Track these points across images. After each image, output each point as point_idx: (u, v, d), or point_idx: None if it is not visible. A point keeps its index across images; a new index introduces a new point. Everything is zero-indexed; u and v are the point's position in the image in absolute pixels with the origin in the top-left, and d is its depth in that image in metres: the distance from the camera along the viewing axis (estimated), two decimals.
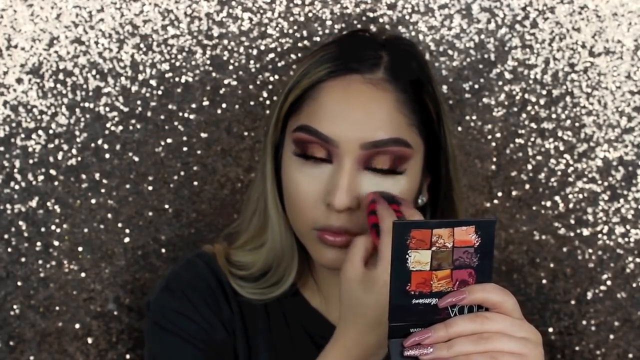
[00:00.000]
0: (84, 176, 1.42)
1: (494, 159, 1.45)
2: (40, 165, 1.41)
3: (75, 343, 1.44)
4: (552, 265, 1.47)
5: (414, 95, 1.13)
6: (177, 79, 1.42)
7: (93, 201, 1.42)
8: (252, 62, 1.42)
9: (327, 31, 1.42)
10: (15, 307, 1.42)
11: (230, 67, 1.42)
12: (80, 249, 1.43)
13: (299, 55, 1.42)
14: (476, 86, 1.44)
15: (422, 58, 1.19)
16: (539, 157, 1.45)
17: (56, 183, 1.41)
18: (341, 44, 1.19)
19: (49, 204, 1.41)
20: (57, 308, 1.43)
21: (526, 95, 1.44)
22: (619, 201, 1.46)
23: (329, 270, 1.18)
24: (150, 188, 1.43)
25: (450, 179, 1.19)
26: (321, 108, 1.11)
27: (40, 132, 1.41)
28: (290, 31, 1.42)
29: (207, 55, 1.42)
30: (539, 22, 1.43)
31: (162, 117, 1.42)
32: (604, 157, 1.45)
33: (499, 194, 1.46)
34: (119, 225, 1.43)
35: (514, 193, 1.46)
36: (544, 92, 1.44)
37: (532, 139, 1.45)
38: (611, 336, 1.47)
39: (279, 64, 1.43)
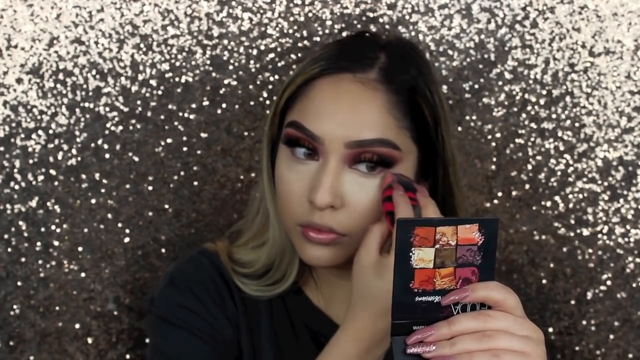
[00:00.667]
0: (84, 176, 1.42)
1: (494, 159, 1.45)
2: (40, 165, 1.41)
3: (75, 343, 1.44)
4: (552, 265, 1.47)
5: (408, 98, 1.12)
6: (177, 79, 1.42)
7: (93, 201, 1.42)
8: (252, 62, 1.42)
9: (327, 31, 1.42)
10: (15, 307, 1.42)
11: (230, 67, 1.42)
12: (80, 249, 1.43)
13: (299, 55, 1.42)
14: (476, 86, 1.44)
15: (424, 62, 1.18)
16: (539, 157, 1.45)
17: (56, 183, 1.41)
18: (341, 44, 1.19)
19: (49, 204, 1.41)
20: (57, 308, 1.43)
21: (526, 95, 1.44)
22: (619, 201, 1.46)
23: (327, 270, 1.18)
24: (150, 188, 1.43)
25: (450, 185, 1.18)
26: (310, 105, 1.11)
27: (40, 132, 1.41)
28: (290, 31, 1.42)
29: (207, 55, 1.42)
30: (539, 22, 1.43)
31: (162, 117, 1.42)
32: (604, 157, 1.45)
33: (499, 194, 1.46)
34: (119, 225, 1.43)
35: (514, 193, 1.46)
36: (544, 92, 1.44)
37: (532, 139, 1.45)
38: (611, 336, 1.47)
39: (279, 64, 1.43)
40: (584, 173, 1.46)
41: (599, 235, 1.47)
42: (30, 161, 1.41)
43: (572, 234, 1.47)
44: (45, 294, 1.43)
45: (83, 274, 1.43)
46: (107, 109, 1.41)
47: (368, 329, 1.04)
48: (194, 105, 1.42)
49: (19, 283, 1.42)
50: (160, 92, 1.42)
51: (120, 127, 1.42)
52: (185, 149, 1.43)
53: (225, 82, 1.42)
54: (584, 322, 1.48)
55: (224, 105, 1.43)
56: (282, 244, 1.19)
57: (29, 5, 1.39)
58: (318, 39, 1.42)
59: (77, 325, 1.44)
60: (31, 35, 1.39)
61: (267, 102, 1.43)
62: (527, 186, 1.46)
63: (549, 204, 1.46)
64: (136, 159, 1.42)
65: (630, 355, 1.48)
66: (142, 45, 1.41)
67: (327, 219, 1.09)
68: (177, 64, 1.42)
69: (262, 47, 1.42)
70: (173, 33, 1.41)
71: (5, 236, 1.41)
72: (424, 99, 1.13)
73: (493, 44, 1.43)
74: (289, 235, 1.15)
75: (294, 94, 1.14)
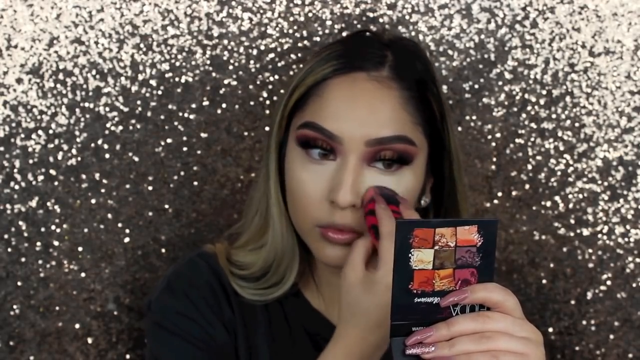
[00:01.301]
0: (84, 176, 1.42)
1: (494, 159, 1.45)
2: (40, 165, 1.41)
3: (75, 343, 1.44)
4: (552, 265, 1.47)
5: (418, 93, 1.13)
6: (177, 79, 1.42)
7: (93, 201, 1.42)
8: (252, 62, 1.42)
9: (327, 31, 1.42)
10: (15, 307, 1.42)
11: (230, 67, 1.42)
12: (80, 249, 1.43)
13: (299, 55, 1.42)
14: (476, 86, 1.44)
15: (426, 58, 1.20)
16: (539, 157, 1.45)
17: (56, 183, 1.41)
18: (346, 43, 1.19)
19: (49, 204, 1.41)
20: (57, 308, 1.43)
21: (526, 95, 1.44)
22: (619, 201, 1.46)
23: (329, 271, 1.18)
24: (150, 188, 1.43)
25: (454, 181, 1.19)
26: (326, 105, 1.11)
27: (40, 132, 1.41)
28: (290, 31, 1.42)
29: (207, 55, 1.42)
30: (539, 22, 1.43)
31: (162, 117, 1.42)
32: (604, 157, 1.45)
33: (499, 194, 1.46)
34: (119, 225, 1.43)
35: (514, 193, 1.46)
36: (544, 92, 1.44)
37: (532, 139, 1.45)
38: (611, 336, 1.47)
39: (279, 64, 1.43)
40: (584, 173, 1.46)
41: (599, 235, 1.47)
42: (30, 161, 1.41)
43: (572, 234, 1.47)
44: (45, 294, 1.43)
45: (83, 274, 1.43)
46: (107, 109, 1.41)
47: (358, 344, 1.03)
48: (194, 105, 1.42)
49: (19, 283, 1.42)
50: (160, 92, 1.42)
51: (120, 127, 1.42)
52: (185, 149, 1.43)
53: (225, 82, 1.42)
54: (584, 322, 1.48)
55: (224, 105, 1.43)
56: (282, 246, 1.19)
57: (29, 5, 1.39)
58: (318, 39, 1.42)
59: (77, 325, 1.44)
60: (31, 35, 1.39)
61: (267, 102, 1.43)
62: (527, 186, 1.46)
63: (549, 204, 1.46)
64: (136, 159, 1.42)
65: (630, 355, 1.48)
66: (142, 45, 1.41)
67: (349, 219, 1.09)
68: (177, 64, 1.42)
69: (262, 47, 1.42)
70: (173, 33, 1.41)
71: (5, 236, 1.41)
72: (432, 93, 1.14)
73: (493, 44, 1.43)
74: (303, 237, 1.15)
75: (304, 95, 1.14)
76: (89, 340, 1.44)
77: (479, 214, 1.46)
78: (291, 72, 1.42)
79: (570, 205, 1.46)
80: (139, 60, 1.41)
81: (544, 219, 1.46)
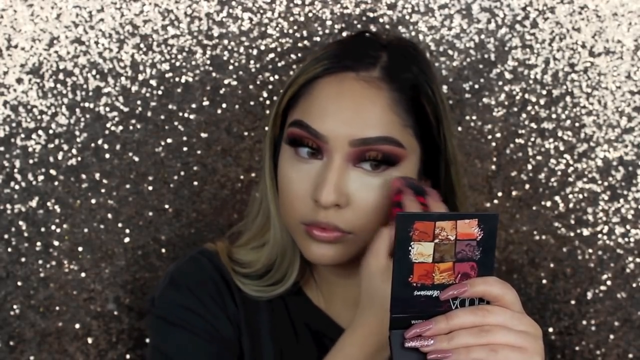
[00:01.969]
0: (84, 176, 1.42)
1: (494, 159, 1.45)
2: (40, 165, 1.41)
3: (75, 343, 1.44)
4: (552, 265, 1.47)
5: (410, 96, 1.12)
6: (177, 79, 1.42)
7: (93, 201, 1.42)
8: (252, 62, 1.42)
9: (327, 31, 1.42)
10: (15, 307, 1.42)
11: (230, 67, 1.42)
12: (80, 249, 1.43)
13: (299, 55, 1.42)
14: (476, 86, 1.44)
15: (425, 61, 1.19)
16: (539, 157, 1.45)
17: (56, 183, 1.41)
18: (343, 43, 1.19)
19: (49, 204, 1.41)
20: (57, 308, 1.43)
21: (526, 95, 1.44)
22: (619, 201, 1.46)
23: (327, 269, 1.18)
24: (150, 188, 1.43)
25: (452, 184, 1.19)
26: (314, 104, 1.11)
27: (40, 132, 1.41)
28: (290, 31, 1.42)
29: (207, 55, 1.42)
30: (539, 22, 1.43)
31: (162, 117, 1.42)
32: (604, 157, 1.45)
33: (499, 194, 1.46)
34: (119, 225, 1.43)
35: (514, 193, 1.46)
36: (544, 92, 1.44)
37: (532, 139, 1.45)
38: (611, 336, 1.47)
39: (279, 64, 1.43)
40: (584, 173, 1.46)
41: (599, 235, 1.47)
42: (30, 161, 1.41)
43: (572, 234, 1.47)
44: (45, 294, 1.43)
45: (83, 274, 1.43)
46: (107, 109, 1.41)
47: (375, 334, 1.04)
48: (194, 105, 1.42)
49: (19, 283, 1.42)
50: (160, 92, 1.42)
51: (120, 127, 1.42)
52: (185, 149, 1.43)
53: (225, 82, 1.42)
54: (584, 322, 1.48)
55: (224, 105, 1.43)
56: (283, 245, 1.19)
57: (29, 5, 1.39)
58: (318, 39, 1.42)
59: (77, 325, 1.44)
60: (31, 35, 1.39)
61: (267, 102, 1.43)
62: (527, 186, 1.46)
63: (549, 204, 1.46)
64: (136, 159, 1.42)
65: (630, 355, 1.48)
66: (142, 45, 1.41)
67: (332, 218, 1.09)
68: (177, 64, 1.42)
69: (262, 47, 1.42)
70: (173, 33, 1.41)
71: (5, 236, 1.42)
72: (426, 98, 1.14)
73: (493, 44, 1.43)
74: (291, 234, 1.15)
75: (297, 93, 1.14)
76: (89, 340, 1.44)
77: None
78: (291, 72, 1.42)
79: (570, 205, 1.46)
80: (139, 60, 1.41)
81: (544, 219, 1.46)
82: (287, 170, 1.13)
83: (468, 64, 1.43)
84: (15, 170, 1.41)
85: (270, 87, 1.43)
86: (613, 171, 1.45)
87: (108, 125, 1.41)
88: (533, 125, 1.45)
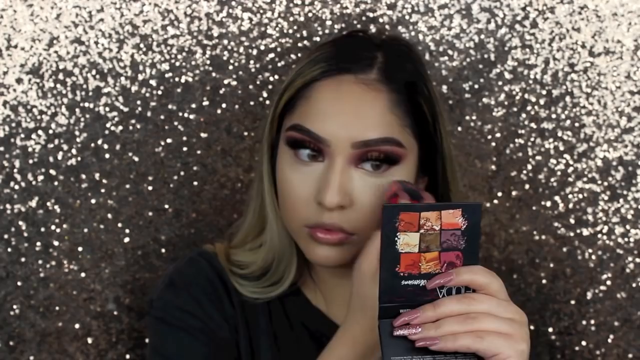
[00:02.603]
0: (84, 176, 1.42)
1: (494, 159, 1.45)
2: (40, 165, 1.41)
3: (75, 343, 1.44)
4: (552, 265, 1.47)
5: (407, 96, 1.13)
6: (177, 79, 1.42)
7: (93, 201, 1.42)
8: (252, 62, 1.42)
9: (327, 31, 1.42)
10: (15, 307, 1.42)
11: (230, 67, 1.42)
12: (80, 249, 1.43)
13: (299, 55, 1.42)
14: (476, 86, 1.44)
15: (419, 59, 1.19)
16: (539, 157, 1.45)
17: (56, 183, 1.41)
18: (337, 44, 1.19)
19: (49, 204, 1.41)
20: (57, 308, 1.43)
21: (526, 95, 1.44)
22: (619, 201, 1.46)
23: (326, 270, 1.19)
24: (150, 188, 1.43)
25: (447, 181, 1.19)
26: (313, 107, 1.11)
27: (40, 132, 1.41)
28: (290, 31, 1.42)
29: (207, 55, 1.42)
30: (539, 22, 1.43)
31: (162, 117, 1.42)
32: (604, 157, 1.45)
33: (499, 194, 1.46)
34: (119, 225, 1.43)
35: (514, 193, 1.46)
36: (544, 92, 1.44)
37: (532, 139, 1.45)
38: (611, 336, 1.47)
39: (279, 64, 1.43)
40: (584, 173, 1.46)
41: (599, 235, 1.47)
42: (30, 161, 1.41)
43: (572, 234, 1.47)
44: (45, 294, 1.43)
45: (83, 274, 1.43)
46: (107, 109, 1.41)
47: (366, 334, 1.04)
48: (194, 105, 1.42)
49: (19, 283, 1.42)
50: (160, 92, 1.42)
51: (120, 127, 1.42)
52: (185, 149, 1.43)
53: (225, 82, 1.42)
54: (584, 322, 1.48)
55: (224, 105, 1.43)
56: (280, 246, 1.19)
57: (29, 5, 1.39)
58: (318, 39, 1.42)
59: (77, 325, 1.44)
60: (31, 35, 1.39)
61: (267, 102, 1.43)
62: (527, 186, 1.46)
63: (549, 204, 1.46)
64: (136, 159, 1.42)
65: (630, 355, 1.48)
66: (142, 45, 1.41)
67: (336, 219, 1.10)
68: (177, 64, 1.42)
69: (262, 47, 1.42)
70: (173, 33, 1.41)
71: (5, 236, 1.42)
72: (422, 96, 1.14)
73: (493, 44, 1.43)
74: (294, 237, 1.16)
75: (293, 97, 1.14)
76: (89, 340, 1.44)
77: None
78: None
79: (570, 205, 1.46)
80: (139, 60, 1.41)
81: (544, 219, 1.46)
82: (287, 173, 1.13)
83: (468, 64, 1.43)
84: (15, 170, 1.41)
85: (270, 87, 1.43)
86: (613, 171, 1.45)
87: (108, 125, 1.41)
88: (533, 125, 1.45)
